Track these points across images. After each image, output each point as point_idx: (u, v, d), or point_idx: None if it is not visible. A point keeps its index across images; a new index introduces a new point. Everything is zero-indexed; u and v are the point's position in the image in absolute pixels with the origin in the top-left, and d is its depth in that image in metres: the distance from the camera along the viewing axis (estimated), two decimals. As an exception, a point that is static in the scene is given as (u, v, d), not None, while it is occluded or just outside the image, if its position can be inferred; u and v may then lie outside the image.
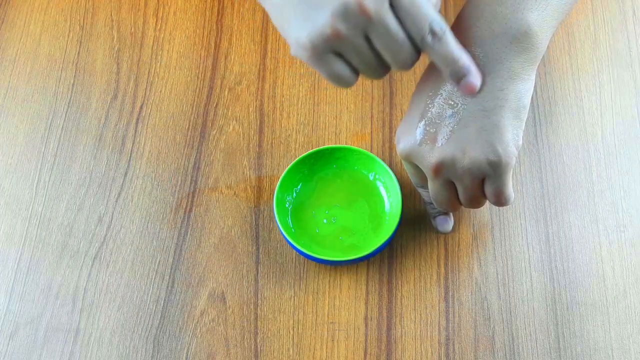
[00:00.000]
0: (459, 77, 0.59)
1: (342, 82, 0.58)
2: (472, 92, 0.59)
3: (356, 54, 0.57)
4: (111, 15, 0.84)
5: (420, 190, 0.70)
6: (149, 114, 0.79)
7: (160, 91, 0.80)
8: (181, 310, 0.70)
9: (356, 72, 0.58)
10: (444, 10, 0.82)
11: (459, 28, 0.63)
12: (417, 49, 0.57)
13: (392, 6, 0.55)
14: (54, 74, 0.81)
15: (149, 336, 0.69)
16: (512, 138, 0.61)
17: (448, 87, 0.62)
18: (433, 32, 0.56)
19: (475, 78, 0.59)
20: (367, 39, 0.56)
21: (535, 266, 0.71)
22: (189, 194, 0.75)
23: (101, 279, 0.71)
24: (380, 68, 0.58)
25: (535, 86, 0.78)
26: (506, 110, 0.61)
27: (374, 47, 0.57)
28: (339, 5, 0.54)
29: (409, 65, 0.58)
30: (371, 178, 0.73)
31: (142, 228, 0.74)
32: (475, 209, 0.73)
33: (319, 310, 0.70)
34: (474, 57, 0.61)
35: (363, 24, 0.55)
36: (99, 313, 0.70)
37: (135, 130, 0.78)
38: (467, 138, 0.60)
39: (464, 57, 0.58)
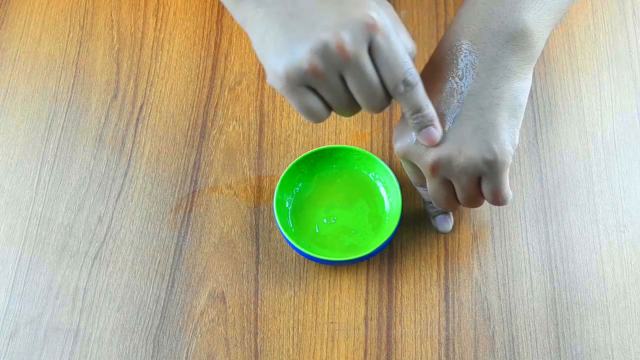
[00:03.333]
0: (421, 126, 0.60)
1: (314, 116, 0.59)
2: (432, 143, 0.61)
3: (329, 91, 0.57)
4: (111, 15, 0.84)
5: (419, 189, 0.70)
6: (149, 114, 0.79)
7: (160, 91, 0.80)
8: (181, 310, 0.70)
9: (328, 107, 0.59)
10: (444, 11, 0.82)
11: (456, 26, 0.63)
12: (389, 95, 0.58)
13: (371, 51, 0.56)
14: (54, 74, 0.81)
15: (149, 336, 0.69)
16: (508, 137, 0.61)
17: (445, 87, 0.62)
18: (406, 82, 0.57)
19: (437, 131, 0.61)
20: (342, 79, 0.57)
21: (535, 266, 0.71)
22: (189, 194, 0.75)
23: (101, 279, 0.71)
24: (351, 107, 0.59)
25: (535, 86, 0.78)
26: (502, 109, 0.61)
27: (347, 87, 0.57)
28: (319, 42, 0.54)
29: (378, 109, 0.59)
30: (371, 178, 0.73)
31: (142, 228, 0.74)
32: (475, 209, 0.73)
33: (319, 310, 0.70)
34: (468, 52, 0.61)
35: (340, 64, 0.55)
36: (99, 313, 0.70)
37: (135, 130, 0.78)
38: (463, 136, 0.61)
39: (429, 109, 0.60)
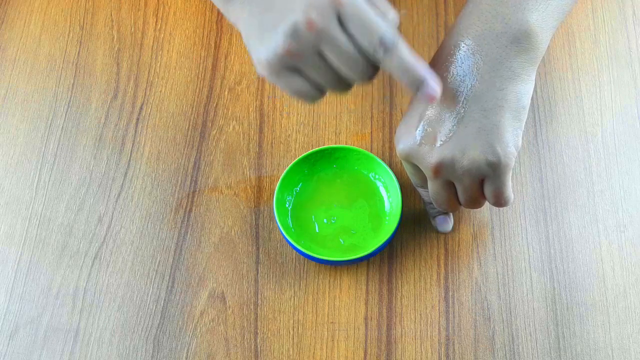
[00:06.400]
0: (416, 86, 0.58)
1: (305, 97, 0.60)
2: (431, 100, 0.58)
3: (313, 70, 0.58)
4: (111, 15, 0.84)
5: (419, 190, 0.70)
6: (149, 114, 0.79)
7: (160, 91, 0.80)
8: (181, 310, 0.70)
9: (319, 87, 0.59)
10: (444, 10, 0.82)
11: (459, 27, 0.63)
12: (373, 62, 0.57)
13: (341, 21, 0.56)
14: (54, 74, 0.81)
15: (149, 336, 0.69)
16: (511, 139, 0.61)
17: (448, 89, 0.62)
18: (384, 45, 0.56)
19: (431, 87, 0.57)
20: (322, 57, 0.57)
21: (535, 266, 0.71)
22: (189, 194, 0.75)
23: (101, 279, 0.71)
24: (341, 83, 0.59)
25: (535, 86, 0.78)
26: (506, 111, 0.61)
27: (329, 64, 0.57)
28: (289, 25, 0.55)
29: (367, 78, 0.58)
30: (371, 178, 0.73)
31: (142, 228, 0.74)
32: (475, 209, 0.73)
33: (319, 310, 0.70)
34: (472, 53, 0.61)
35: (313, 41, 0.56)
36: (99, 313, 0.70)
37: (135, 130, 0.78)
38: (466, 138, 0.61)
39: (418, 67, 0.57)
